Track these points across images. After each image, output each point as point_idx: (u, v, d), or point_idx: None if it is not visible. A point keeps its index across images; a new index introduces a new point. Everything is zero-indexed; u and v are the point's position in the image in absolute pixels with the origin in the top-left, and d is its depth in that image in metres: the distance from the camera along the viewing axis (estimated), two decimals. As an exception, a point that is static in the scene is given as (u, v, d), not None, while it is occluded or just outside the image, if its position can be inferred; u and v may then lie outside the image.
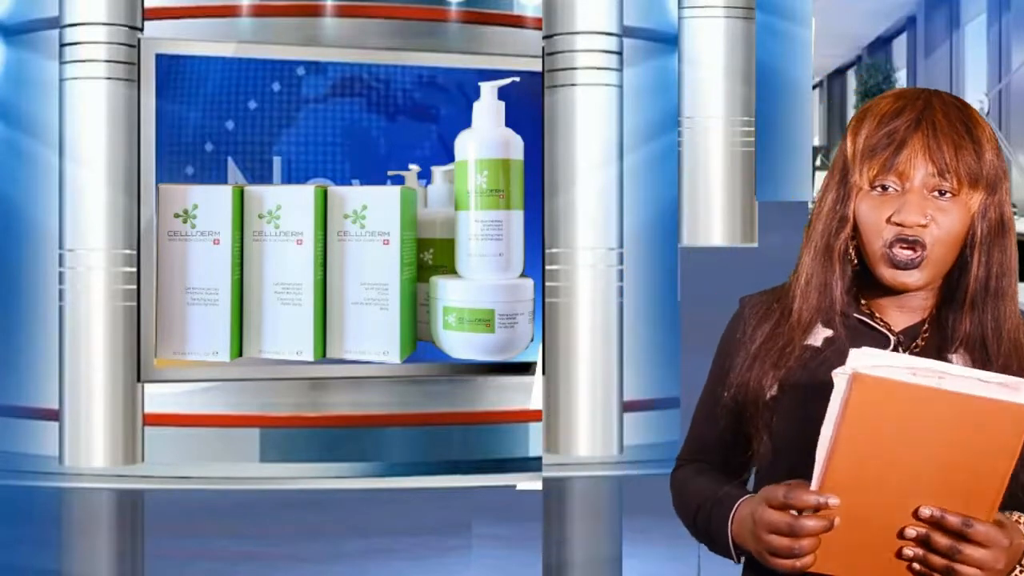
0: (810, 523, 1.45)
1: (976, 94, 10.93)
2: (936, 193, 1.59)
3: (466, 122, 3.05)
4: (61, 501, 3.38)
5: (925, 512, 1.43)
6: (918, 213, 1.58)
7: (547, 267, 3.22)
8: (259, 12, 3.45)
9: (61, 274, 3.11)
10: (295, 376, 3.15)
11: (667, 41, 3.60)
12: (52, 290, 3.16)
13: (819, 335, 1.66)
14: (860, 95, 16.73)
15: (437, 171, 3.17)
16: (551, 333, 3.25)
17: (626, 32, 3.31)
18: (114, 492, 3.32)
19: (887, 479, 1.43)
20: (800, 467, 1.55)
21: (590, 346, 3.25)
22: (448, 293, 3.03)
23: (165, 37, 3.16)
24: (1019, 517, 1.55)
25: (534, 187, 3.16)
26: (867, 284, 1.67)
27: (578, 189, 3.25)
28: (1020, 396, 1.39)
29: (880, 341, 1.64)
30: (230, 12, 3.44)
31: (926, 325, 1.66)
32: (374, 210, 2.99)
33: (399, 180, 3.16)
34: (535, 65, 3.23)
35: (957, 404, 1.39)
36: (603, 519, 3.55)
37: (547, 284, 3.23)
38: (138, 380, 3.10)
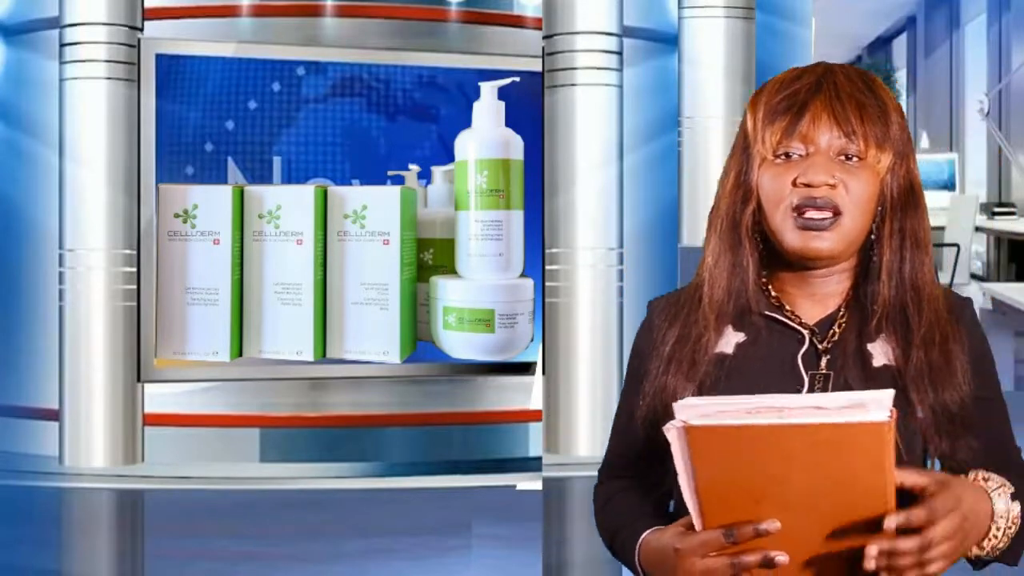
0: (751, 558, 1.34)
1: (976, 94, 10.92)
2: (843, 157, 1.50)
3: (466, 122, 3.05)
4: (61, 501, 3.38)
5: (890, 524, 1.31)
6: (825, 173, 1.49)
7: (547, 267, 3.22)
8: (259, 12, 3.45)
9: (61, 274, 3.11)
10: (295, 376, 3.15)
11: (667, 41, 3.60)
12: (52, 290, 3.16)
13: (730, 340, 1.56)
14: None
15: (437, 171, 3.17)
16: (551, 333, 3.25)
17: (626, 32, 3.31)
18: (114, 492, 3.32)
19: (765, 512, 1.34)
20: None
21: (590, 346, 3.25)
22: (448, 293, 3.03)
23: (165, 37, 3.16)
24: (976, 476, 1.46)
25: (534, 187, 3.16)
26: (776, 270, 1.57)
27: (578, 189, 3.24)
28: (867, 414, 1.29)
29: (793, 339, 1.55)
30: (230, 12, 3.44)
31: (842, 312, 1.56)
32: (374, 210, 2.98)
33: (399, 180, 3.16)
34: (535, 65, 3.23)
35: (804, 435, 1.30)
36: (603, 519, 3.55)
37: (547, 284, 3.23)
38: (138, 380, 3.10)
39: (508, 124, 3.05)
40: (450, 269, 3.07)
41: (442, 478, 3.46)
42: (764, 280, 1.58)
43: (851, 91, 1.52)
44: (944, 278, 8.20)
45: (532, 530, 3.46)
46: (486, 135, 3.02)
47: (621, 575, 3.49)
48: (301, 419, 3.45)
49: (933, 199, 11.81)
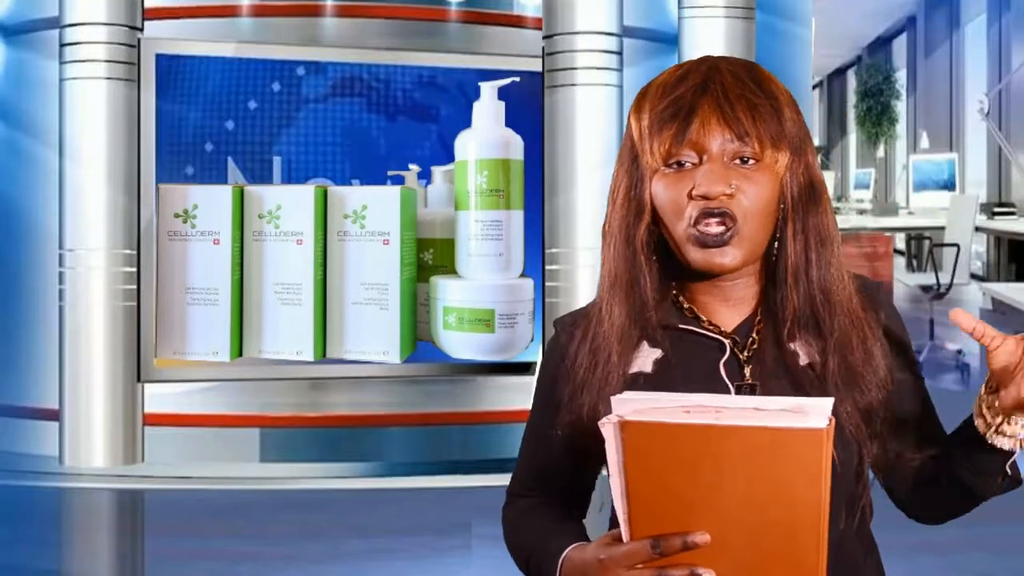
0: (677, 573, 1.28)
1: (976, 94, 10.92)
2: (738, 161, 1.42)
3: (466, 122, 3.05)
4: (61, 501, 3.38)
5: None
6: (721, 182, 1.40)
7: (547, 267, 3.22)
8: (259, 12, 3.45)
9: (61, 274, 3.11)
10: (295, 376, 3.15)
11: (667, 41, 3.60)
12: (52, 290, 3.16)
13: (647, 358, 1.48)
14: (860, 95, 16.74)
15: (437, 171, 3.17)
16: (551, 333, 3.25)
17: (626, 32, 3.30)
18: (114, 492, 3.32)
19: (697, 521, 1.29)
20: None
21: (590, 346, 3.25)
22: (448, 293, 3.03)
23: (165, 37, 3.16)
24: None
25: (534, 187, 3.16)
26: (683, 279, 1.49)
27: (578, 189, 3.24)
28: (807, 420, 1.24)
29: (714, 348, 1.48)
30: (230, 12, 3.44)
31: (759, 316, 1.49)
32: (374, 210, 2.98)
33: (399, 180, 3.16)
34: (535, 65, 3.23)
35: (741, 438, 1.25)
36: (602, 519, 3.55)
37: (547, 284, 3.23)
38: (138, 380, 3.10)
39: (508, 124, 3.04)
40: (450, 269, 3.07)
41: (442, 478, 3.45)
42: (675, 291, 1.51)
43: (740, 90, 1.43)
44: (944, 278, 8.20)
45: (532, 530, 3.46)
46: (486, 135, 3.02)
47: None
48: (301, 419, 3.45)
49: (933, 199, 11.84)
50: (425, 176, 3.18)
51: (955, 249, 8.40)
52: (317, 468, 3.46)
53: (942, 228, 9.31)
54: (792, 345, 1.46)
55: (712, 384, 1.47)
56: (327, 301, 3.02)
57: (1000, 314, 6.03)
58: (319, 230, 2.98)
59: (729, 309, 1.50)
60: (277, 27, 3.46)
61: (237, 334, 3.02)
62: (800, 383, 1.45)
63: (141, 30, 3.10)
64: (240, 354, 3.03)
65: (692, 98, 1.43)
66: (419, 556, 3.71)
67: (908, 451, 1.50)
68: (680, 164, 1.43)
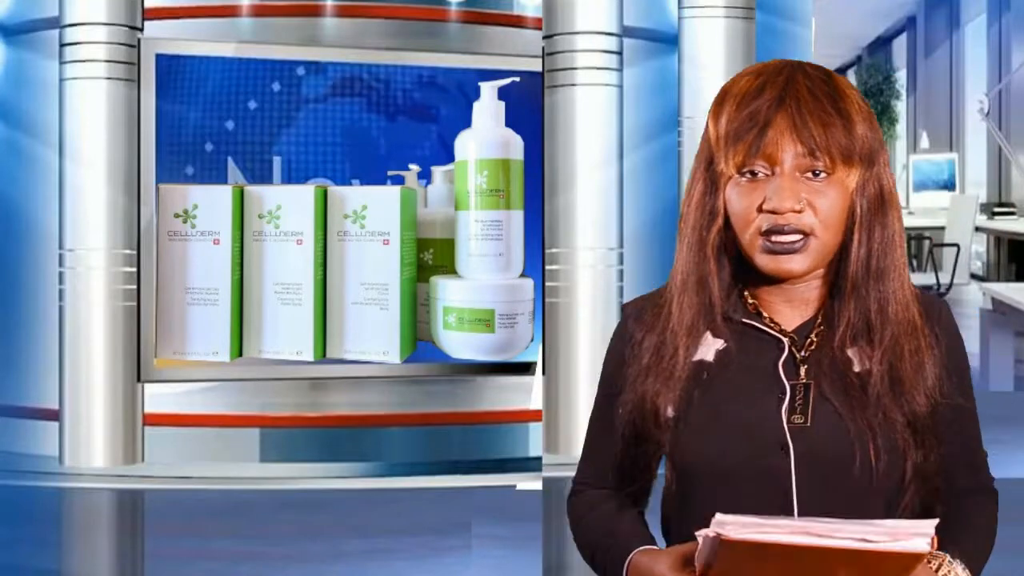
0: None
1: (976, 94, 10.92)
2: (809, 174, 1.47)
3: (466, 122, 3.05)
4: (61, 501, 3.38)
5: None
6: (791, 198, 1.46)
7: (547, 267, 3.22)
8: (259, 12, 3.45)
9: (61, 274, 3.11)
10: (295, 376, 3.15)
11: (667, 41, 3.60)
12: (52, 290, 3.16)
13: (710, 348, 1.55)
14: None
15: (437, 171, 3.17)
16: (551, 333, 3.25)
17: (626, 32, 3.30)
18: (114, 492, 3.32)
19: None
20: (706, 495, 1.50)
21: (590, 346, 3.25)
22: (448, 293, 3.03)
23: (165, 37, 3.16)
24: (939, 563, 1.48)
25: (534, 187, 3.16)
26: (752, 278, 1.55)
27: (578, 189, 3.24)
28: (909, 542, 1.30)
29: (773, 345, 1.54)
30: (230, 12, 3.44)
31: (819, 319, 1.55)
32: (374, 210, 2.98)
33: (399, 180, 3.16)
34: (535, 65, 3.22)
35: (833, 557, 1.31)
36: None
37: (547, 284, 3.23)
38: (138, 380, 3.10)
39: (508, 124, 3.04)
40: (450, 269, 3.07)
41: (442, 478, 3.46)
42: (741, 288, 1.56)
43: (814, 105, 1.47)
44: (944, 278, 8.20)
45: (532, 530, 3.47)
46: (486, 135, 3.02)
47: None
48: (301, 419, 3.45)
49: (933, 199, 11.84)
50: (425, 176, 3.18)
51: (955, 249, 8.41)
52: (317, 468, 3.46)
53: (942, 228, 9.31)
54: (848, 351, 1.52)
55: (769, 380, 1.53)
56: (327, 301, 3.02)
57: (1000, 314, 6.02)
58: (319, 230, 2.98)
59: (792, 310, 1.56)
60: (277, 27, 3.46)
61: (237, 334, 3.02)
62: (852, 390, 1.51)
63: (141, 30, 3.10)
64: (240, 354, 3.03)
65: (768, 112, 1.48)
66: (419, 556, 3.72)
67: (938, 472, 1.55)
68: (754, 173, 1.49)
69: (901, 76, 16.67)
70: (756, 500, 1.48)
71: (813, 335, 1.54)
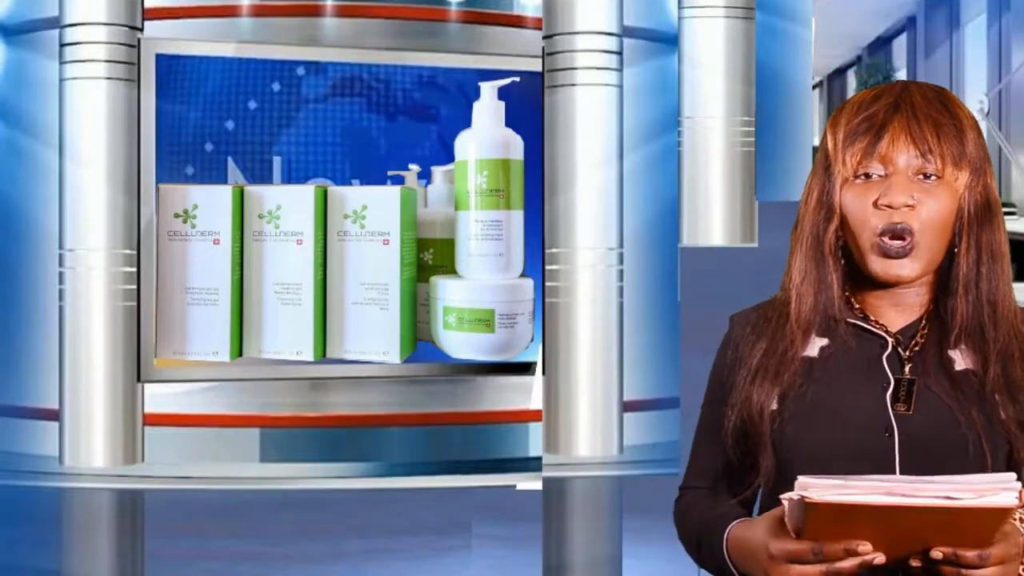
0: (846, 565, 1.41)
1: (976, 94, 10.92)
2: (921, 176, 1.57)
3: (466, 122, 3.05)
4: (61, 501, 3.38)
5: (938, 555, 1.39)
6: (904, 194, 1.55)
7: (547, 267, 3.22)
8: (259, 12, 3.45)
9: (61, 274, 3.11)
10: (295, 376, 3.15)
11: (667, 41, 3.60)
12: (52, 290, 3.16)
13: (815, 345, 1.63)
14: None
15: (437, 171, 3.16)
16: (551, 333, 3.25)
17: (626, 32, 3.30)
18: (114, 492, 3.32)
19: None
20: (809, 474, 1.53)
21: (590, 346, 3.25)
22: (448, 293, 3.03)
23: (165, 37, 3.16)
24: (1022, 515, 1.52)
25: (534, 187, 3.16)
26: (859, 283, 1.63)
27: (578, 189, 3.24)
28: (996, 497, 1.34)
29: (877, 344, 1.61)
30: (230, 12, 3.44)
31: (924, 322, 1.62)
32: (374, 210, 2.98)
33: (399, 180, 3.16)
34: (535, 65, 3.22)
35: (920, 515, 1.36)
36: (603, 519, 3.55)
37: (547, 284, 3.22)
38: (138, 380, 3.10)
39: (508, 124, 3.04)
40: (450, 269, 3.07)
41: (442, 478, 3.45)
42: (848, 292, 1.63)
43: (928, 111, 1.57)
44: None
45: (532, 530, 3.47)
46: (486, 135, 3.02)
47: (621, 575, 3.49)
48: (301, 419, 3.44)
49: (933, 199, 11.85)
50: (425, 176, 3.18)
51: (955, 249, 8.39)
52: (317, 468, 3.46)
53: (942, 228, 9.29)
54: (953, 352, 1.59)
55: (874, 372, 1.59)
56: (327, 301, 3.02)
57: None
58: (319, 230, 2.98)
59: (898, 313, 1.63)
60: (277, 27, 3.46)
61: (237, 334, 3.02)
62: (959, 385, 1.57)
63: (141, 30, 3.10)
64: (240, 354, 3.03)
65: (884, 116, 1.58)
66: (419, 556, 3.72)
67: None
68: (868, 176, 1.58)
69: (901, 76, 16.68)
70: None
71: (919, 336, 1.61)
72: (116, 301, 3.08)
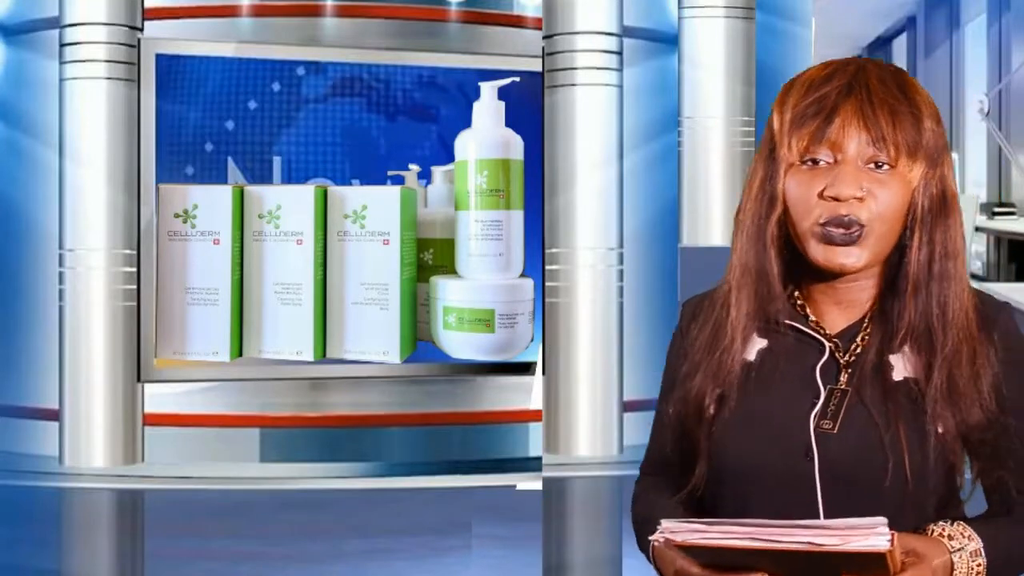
0: None
1: (976, 94, 10.92)
2: (872, 165, 1.44)
3: (466, 122, 3.05)
4: (61, 501, 3.38)
5: None
6: (853, 185, 1.43)
7: (547, 267, 3.22)
8: (259, 12, 3.45)
9: (61, 274, 3.11)
10: (295, 376, 3.15)
11: (667, 41, 3.60)
12: (52, 290, 3.16)
13: (754, 346, 1.53)
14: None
15: (437, 171, 3.16)
16: (551, 333, 3.25)
17: (626, 32, 3.30)
18: (114, 492, 3.32)
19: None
20: (736, 495, 1.50)
21: (590, 346, 3.25)
22: (448, 293, 3.03)
23: (165, 37, 3.16)
24: (943, 529, 1.45)
25: (534, 187, 3.16)
26: (803, 277, 1.53)
27: (578, 189, 3.24)
28: (866, 540, 1.29)
29: (815, 349, 1.51)
30: (230, 12, 3.44)
31: (866, 323, 1.52)
32: (374, 210, 2.98)
33: (399, 180, 3.16)
34: (535, 65, 3.22)
35: (798, 556, 1.31)
36: (603, 519, 3.55)
37: (547, 284, 3.22)
38: (138, 380, 3.10)
39: (508, 124, 3.04)
40: (450, 269, 3.07)
41: (442, 478, 3.46)
42: (791, 286, 1.54)
43: (884, 95, 1.45)
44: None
45: (532, 530, 3.46)
46: (486, 135, 3.02)
47: (621, 575, 3.49)
48: (301, 419, 3.45)
49: (933, 199, 11.80)
50: (425, 176, 3.18)
51: (955, 249, 8.38)
52: (317, 468, 3.46)
53: (942, 228, 9.27)
54: (894, 357, 1.48)
55: (807, 383, 1.50)
56: (327, 301, 3.02)
57: (1000, 314, 6.00)
58: (319, 230, 2.98)
59: (840, 311, 1.53)
60: (277, 27, 3.46)
61: (237, 334, 3.02)
62: (894, 396, 1.47)
63: (141, 30, 3.10)
64: (240, 354, 3.03)
65: (836, 98, 1.45)
66: (419, 556, 3.71)
67: (993, 492, 1.54)
68: (815, 162, 1.46)
69: (901, 76, 16.65)
70: (784, 503, 1.46)
71: (859, 339, 1.51)
72: (116, 301, 3.08)
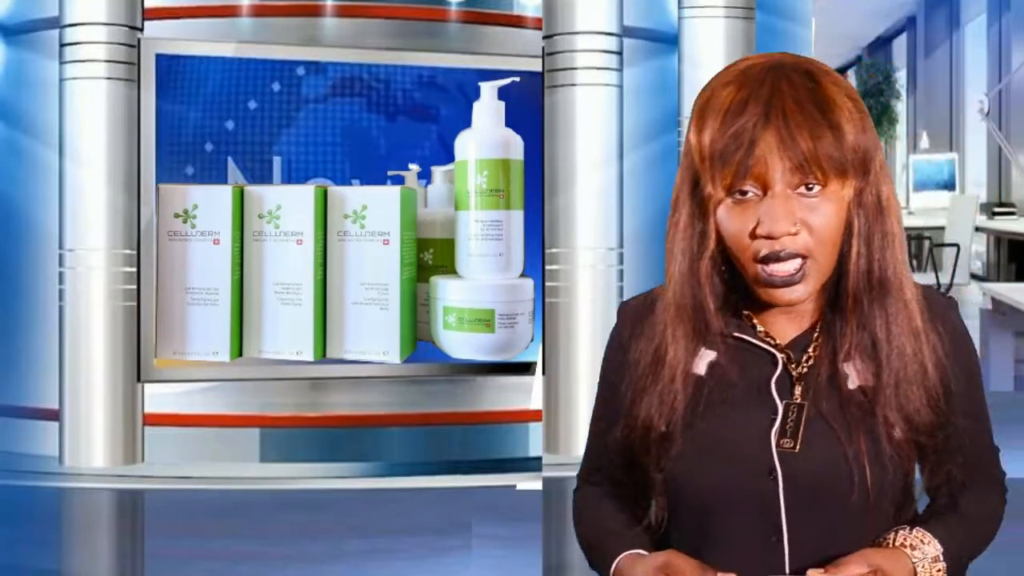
0: None
1: (976, 94, 10.92)
2: (803, 189, 1.40)
3: (466, 122, 3.05)
4: (61, 501, 3.38)
5: None
6: (785, 221, 1.39)
7: (547, 267, 3.22)
8: (259, 12, 3.45)
9: (61, 274, 3.11)
10: (295, 376, 3.15)
11: (667, 41, 3.60)
12: (52, 290, 3.16)
13: (703, 360, 1.49)
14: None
15: (437, 171, 3.16)
16: (551, 333, 3.25)
17: (626, 32, 3.30)
18: (114, 492, 3.32)
19: None
20: (695, 516, 1.49)
21: (590, 346, 3.25)
22: (448, 293, 3.03)
23: (165, 37, 3.16)
24: (904, 539, 1.46)
25: (534, 187, 3.16)
26: (750, 289, 1.47)
27: (578, 189, 3.24)
28: None
29: (767, 361, 1.49)
30: (230, 12, 3.44)
31: (817, 332, 1.49)
32: (374, 210, 2.98)
33: (399, 180, 3.16)
34: (535, 65, 3.22)
35: None
36: (603, 519, 3.55)
37: (547, 284, 3.22)
38: (138, 380, 3.10)
39: (508, 124, 3.04)
40: (450, 269, 3.07)
41: (442, 478, 3.45)
42: (735, 299, 1.50)
43: (802, 119, 1.39)
44: (944, 278, 8.20)
45: (532, 530, 3.46)
46: (486, 135, 3.02)
47: None
48: (301, 419, 3.44)
49: (933, 199, 11.84)
50: (425, 176, 3.18)
51: (955, 249, 8.40)
52: (317, 468, 3.46)
53: (942, 228, 9.31)
54: (846, 366, 1.46)
55: (762, 399, 1.48)
56: (327, 301, 3.02)
57: (1000, 314, 6.02)
58: (319, 230, 2.98)
59: (789, 321, 1.50)
60: (277, 27, 3.46)
61: (237, 334, 3.02)
62: (849, 407, 1.46)
63: (141, 30, 3.10)
64: (240, 354, 3.03)
65: (754, 130, 1.40)
66: (419, 556, 3.71)
67: (945, 488, 1.54)
68: (743, 192, 1.42)
69: (901, 76, 16.67)
70: (745, 524, 1.46)
71: (811, 350, 1.49)
72: (116, 301, 3.08)
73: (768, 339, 1.50)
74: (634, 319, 1.58)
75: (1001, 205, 11.01)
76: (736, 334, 1.50)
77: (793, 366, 1.49)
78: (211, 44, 3.17)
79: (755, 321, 1.51)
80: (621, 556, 1.51)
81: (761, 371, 1.49)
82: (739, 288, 1.49)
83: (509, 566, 3.68)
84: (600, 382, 1.63)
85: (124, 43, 3.08)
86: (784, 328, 1.50)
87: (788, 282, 1.42)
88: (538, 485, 3.39)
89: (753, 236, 1.41)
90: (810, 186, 1.41)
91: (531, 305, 3.12)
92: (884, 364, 1.45)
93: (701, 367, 1.49)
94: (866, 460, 1.44)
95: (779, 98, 1.41)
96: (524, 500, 3.52)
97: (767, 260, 1.41)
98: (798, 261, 1.41)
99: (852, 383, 1.47)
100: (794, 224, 1.40)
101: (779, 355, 1.49)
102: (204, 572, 3.61)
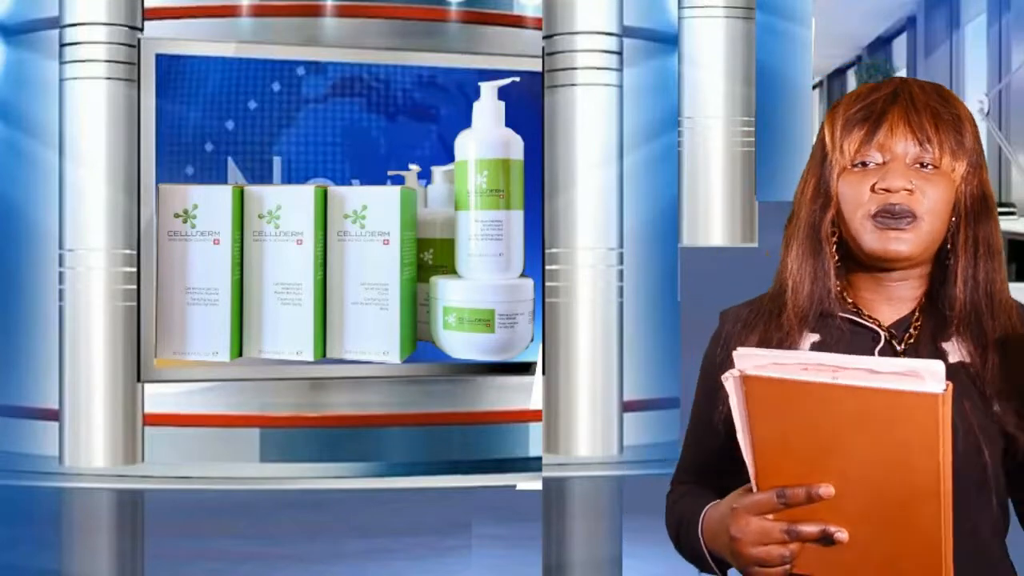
0: (809, 529, 1.37)
1: (976, 94, 10.92)
2: (918, 165, 1.54)
3: (466, 122, 3.05)
4: (61, 501, 3.38)
5: None
6: (903, 178, 1.53)
7: (547, 267, 3.22)
8: (259, 12, 3.45)
9: (61, 274, 3.11)
10: (295, 376, 3.15)
11: (667, 41, 3.60)
12: (52, 290, 3.16)
13: (806, 341, 1.59)
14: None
15: (437, 171, 3.17)
16: (551, 333, 3.25)
17: (626, 32, 3.30)
18: (114, 492, 3.32)
19: (819, 477, 1.34)
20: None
21: (590, 346, 3.25)
22: (448, 293, 3.03)
23: (165, 37, 3.16)
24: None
25: (534, 187, 3.16)
26: (853, 275, 1.60)
27: (578, 189, 3.24)
28: (923, 384, 1.29)
29: (869, 338, 1.58)
30: (230, 12, 3.44)
31: (917, 314, 1.59)
32: (374, 210, 2.98)
33: (399, 180, 3.16)
34: (535, 65, 3.22)
35: (857, 399, 1.30)
36: (603, 519, 3.55)
37: (547, 284, 3.23)
38: (138, 380, 3.10)
39: (508, 124, 3.04)
40: (450, 269, 3.07)
41: (442, 478, 3.46)
42: (840, 286, 1.60)
43: (926, 101, 1.56)
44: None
45: (532, 530, 3.47)
46: (486, 135, 3.02)
47: (621, 575, 3.50)
48: (301, 419, 3.45)
49: (933, 199, 11.86)
50: (425, 176, 3.18)
51: (955, 249, 8.39)
52: (317, 468, 3.46)
53: (942, 228, 9.29)
54: (947, 344, 1.56)
55: None
56: (327, 301, 3.02)
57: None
58: (319, 230, 2.98)
59: (890, 307, 1.60)
60: (277, 27, 3.46)
61: (237, 334, 3.02)
62: (954, 376, 1.49)
63: (141, 30, 3.10)
64: (240, 354, 3.03)
65: (883, 105, 1.57)
66: (419, 556, 3.72)
67: None
68: (865, 164, 1.56)
69: (901, 76, 16.68)
70: None
71: (911, 328, 1.58)
72: (116, 301, 3.08)
73: (872, 319, 1.59)
74: (735, 318, 1.68)
75: (1001, 205, 11.02)
76: (841, 314, 1.59)
77: (896, 343, 1.58)
78: (211, 44, 3.17)
79: (859, 307, 1.60)
80: (708, 507, 1.56)
81: (864, 346, 1.58)
82: (846, 274, 1.60)
83: (509, 566, 3.69)
84: (698, 385, 1.71)
85: (124, 43, 3.08)
86: (885, 313, 1.60)
87: (898, 227, 1.53)
88: (538, 485, 3.39)
89: (872, 191, 1.54)
90: (925, 164, 1.54)
91: (531, 305, 3.12)
92: (989, 338, 1.54)
93: (805, 346, 1.59)
94: (973, 420, 1.51)
95: (907, 86, 1.59)
96: (524, 500, 3.53)
97: (879, 213, 1.53)
98: (909, 219, 1.53)
99: (953, 358, 1.55)
100: (910, 183, 1.53)
101: (882, 332, 1.58)
102: (204, 572, 3.62)
